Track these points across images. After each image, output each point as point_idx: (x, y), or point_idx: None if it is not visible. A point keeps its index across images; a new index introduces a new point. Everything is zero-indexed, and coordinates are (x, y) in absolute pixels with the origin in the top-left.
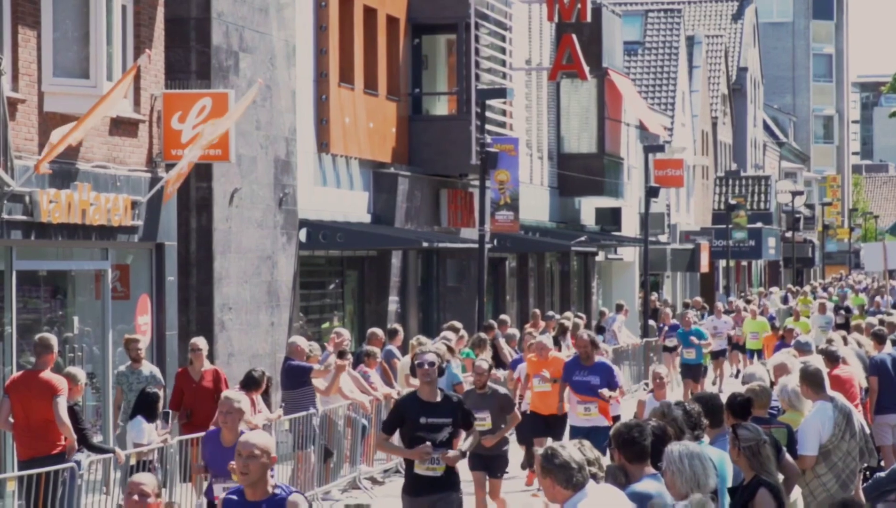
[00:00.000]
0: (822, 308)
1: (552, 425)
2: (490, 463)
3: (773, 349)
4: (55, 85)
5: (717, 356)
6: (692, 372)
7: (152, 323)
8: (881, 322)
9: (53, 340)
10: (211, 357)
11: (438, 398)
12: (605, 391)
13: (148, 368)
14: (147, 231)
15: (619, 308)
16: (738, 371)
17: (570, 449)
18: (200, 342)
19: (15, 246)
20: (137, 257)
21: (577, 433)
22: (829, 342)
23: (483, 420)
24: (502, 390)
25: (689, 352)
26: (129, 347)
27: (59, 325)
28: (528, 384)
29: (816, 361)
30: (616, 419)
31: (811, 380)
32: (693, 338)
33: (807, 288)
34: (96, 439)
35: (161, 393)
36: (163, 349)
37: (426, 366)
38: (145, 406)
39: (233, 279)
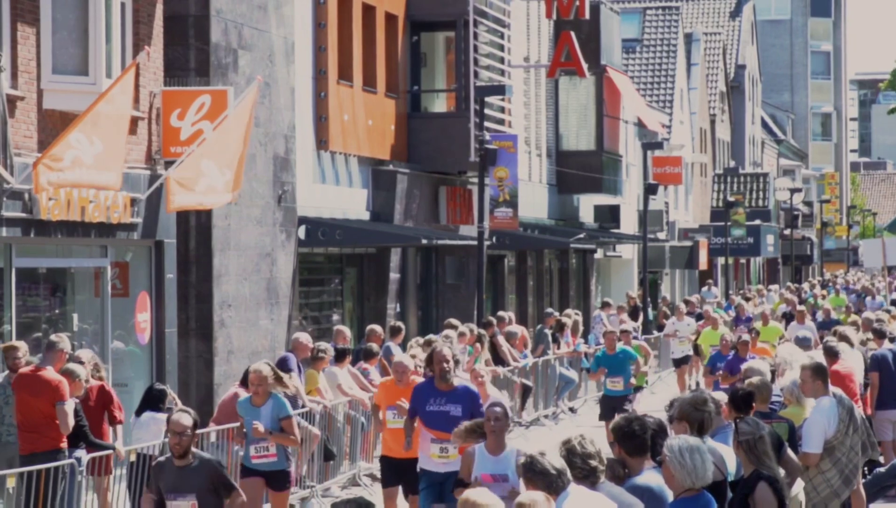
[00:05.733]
0: (802, 317)
1: (407, 471)
2: None
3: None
4: (54, 82)
5: (680, 363)
6: (615, 405)
7: (151, 321)
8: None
9: (65, 342)
10: (211, 355)
11: None
12: None
13: None
14: (146, 228)
15: (604, 306)
16: (698, 384)
17: (550, 456)
18: (85, 354)
19: (14, 243)
20: (137, 254)
21: (430, 478)
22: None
23: None
24: (213, 458)
25: (614, 381)
26: (8, 355)
27: (58, 322)
28: (379, 419)
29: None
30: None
31: (822, 374)
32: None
33: (805, 285)
34: None
35: (167, 389)
36: (162, 346)
37: None
38: (153, 402)
39: (232, 277)
